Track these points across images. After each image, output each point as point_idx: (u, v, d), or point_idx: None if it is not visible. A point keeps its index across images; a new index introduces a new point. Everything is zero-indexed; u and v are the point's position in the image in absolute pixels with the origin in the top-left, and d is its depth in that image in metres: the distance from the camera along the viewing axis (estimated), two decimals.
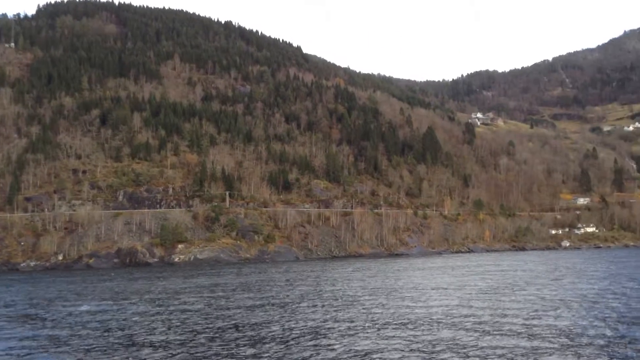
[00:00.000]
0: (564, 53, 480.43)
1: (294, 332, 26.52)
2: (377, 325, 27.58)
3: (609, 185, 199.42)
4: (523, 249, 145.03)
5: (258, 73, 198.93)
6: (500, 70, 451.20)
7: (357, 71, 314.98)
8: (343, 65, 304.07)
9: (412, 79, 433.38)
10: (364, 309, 33.87)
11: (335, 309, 34.23)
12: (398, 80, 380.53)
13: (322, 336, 25.29)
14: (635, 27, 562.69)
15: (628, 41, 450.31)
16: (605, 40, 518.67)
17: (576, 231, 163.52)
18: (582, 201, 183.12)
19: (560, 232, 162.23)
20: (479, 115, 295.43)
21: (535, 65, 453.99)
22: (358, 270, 71.88)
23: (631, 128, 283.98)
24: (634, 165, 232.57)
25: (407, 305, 34.86)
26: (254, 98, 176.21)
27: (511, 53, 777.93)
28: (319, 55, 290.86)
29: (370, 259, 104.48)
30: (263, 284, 54.16)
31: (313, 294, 43.34)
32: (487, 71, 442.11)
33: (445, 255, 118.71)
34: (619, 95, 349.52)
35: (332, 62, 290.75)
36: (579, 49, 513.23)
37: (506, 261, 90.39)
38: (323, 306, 35.68)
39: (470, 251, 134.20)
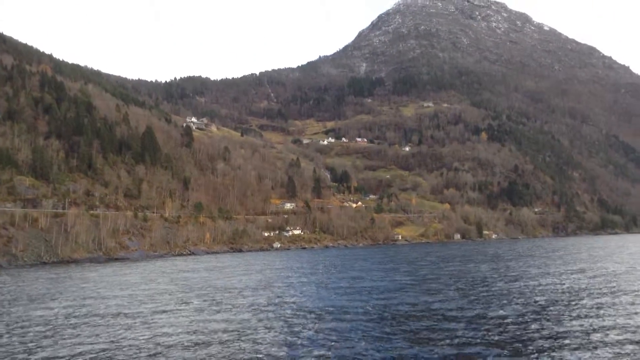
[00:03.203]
0: (270, 69, 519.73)
1: None
2: None
3: (310, 192, 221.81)
4: (240, 251, 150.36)
5: None
6: (212, 78, 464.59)
7: (63, 60, 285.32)
8: (47, 51, 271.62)
9: (124, 75, 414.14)
10: None
11: None
12: (108, 75, 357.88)
13: None
14: (328, 53, 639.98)
15: (322, 65, 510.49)
16: (304, 62, 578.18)
17: (285, 233, 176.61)
18: (289, 206, 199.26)
19: (272, 234, 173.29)
20: (194, 119, 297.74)
21: (245, 77, 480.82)
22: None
23: (326, 142, 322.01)
24: (329, 175, 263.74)
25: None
26: None
27: (223, 63, 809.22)
28: (20, 40, 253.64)
29: (87, 264, 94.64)
30: None
31: None
32: (200, 77, 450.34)
33: (168, 259, 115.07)
34: (315, 112, 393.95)
35: (35, 47, 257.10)
36: (282, 67, 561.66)
37: (227, 261, 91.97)
38: None
39: (192, 254, 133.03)
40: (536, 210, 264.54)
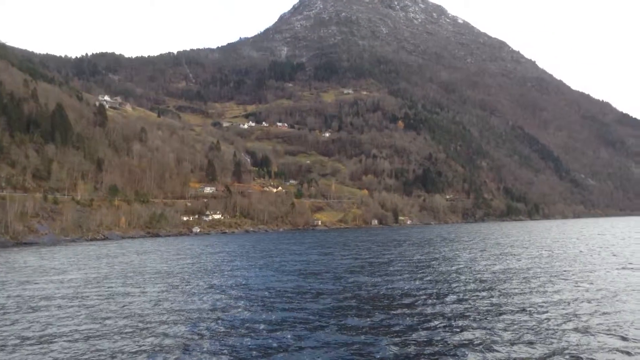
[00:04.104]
0: (188, 49, 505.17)
1: None
2: None
3: (230, 176, 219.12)
4: (157, 235, 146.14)
5: None
6: (127, 55, 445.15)
7: None
8: None
9: (30, 49, 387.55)
10: None
11: None
12: (13, 48, 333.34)
13: None
14: (249, 35, 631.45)
15: (243, 47, 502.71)
16: (224, 43, 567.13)
17: (205, 218, 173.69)
18: (208, 190, 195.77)
19: (191, 218, 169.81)
20: (107, 98, 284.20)
21: (162, 56, 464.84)
22: None
23: (246, 126, 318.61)
24: (249, 160, 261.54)
25: None
26: None
27: (137, 39, 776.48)
28: None
29: None
30: None
31: None
32: (113, 54, 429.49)
33: (81, 243, 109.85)
34: (236, 95, 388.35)
35: None
36: (201, 47, 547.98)
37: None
38: None
39: (106, 238, 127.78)
40: (448, 197, 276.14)
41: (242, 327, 22.51)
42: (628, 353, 17.24)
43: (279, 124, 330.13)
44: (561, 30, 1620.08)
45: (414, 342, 19.34)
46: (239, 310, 26.36)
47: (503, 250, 62.03)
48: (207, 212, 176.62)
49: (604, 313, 23.04)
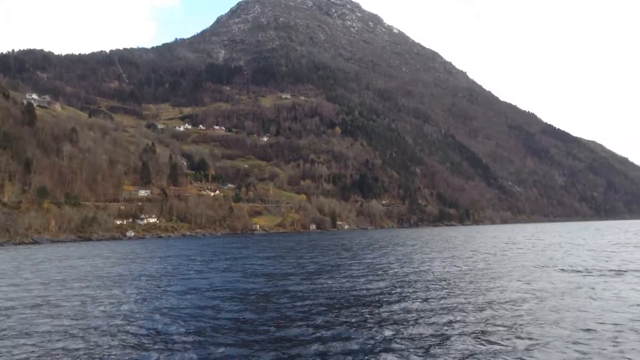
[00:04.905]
0: (121, 48, 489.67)
1: None
2: None
3: (166, 179, 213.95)
4: (89, 239, 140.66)
5: None
6: (56, 53, 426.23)
7: None
8: None
9: None
10: None
11: None
12: None
13: None
14: (185, 36, 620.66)
15: (179, 48, 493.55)
16: (159, 44, 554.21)
17: (140, 222, 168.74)
18: (143, 193, 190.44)
19: (125, 222, 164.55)
20: (35, 96, 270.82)
21: (93, 54, 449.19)
22: None
23: (182, 129, 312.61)
24: (185, 163, 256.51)
25: None
26: None
27: (68, 36, 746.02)
28: None
29: None
30: None
31: None
32: (42, 51, 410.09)
33: (8, 248, 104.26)
34: (171, 97, 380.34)
35: None
36: (134, 46, 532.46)
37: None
38: None
39: (35, 242, 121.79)
40: (384, 202, 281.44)
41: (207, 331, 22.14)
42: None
43: (216, 127, 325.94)
44: (491, 43, 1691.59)
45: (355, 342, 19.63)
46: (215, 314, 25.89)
47: (452, 254, 63.96)
48: (142, 216, 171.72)
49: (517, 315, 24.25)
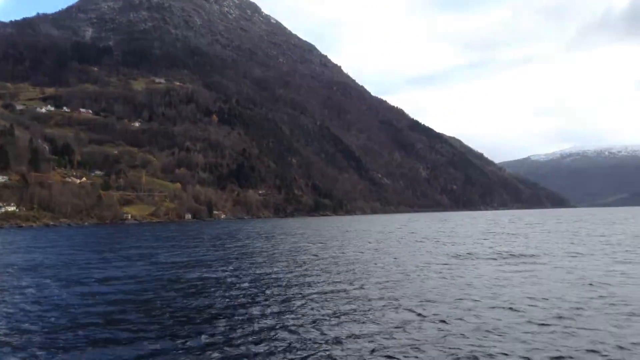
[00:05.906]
0: None
1: None
2: None
3: (26, 164, 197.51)
4: None
5: None
6: None
7: None
8: None
9: None
10: None
11: None
12: None
13: None
14: (49, 11, 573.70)
15: (42, 24, 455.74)
16: (19, 18, 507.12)
17: None
18: (0, 179, 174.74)
19: None
20: None
21: None
22: None
23: (44, 110, 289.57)
24: (48, 147, 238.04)
25: None
26: None
27: None
28: None
29: None
30: None
31: None
32: None
33: None
34: (32, 75, 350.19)
35: None
36: None
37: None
38: None
39: None
40: (260, 192, 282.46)
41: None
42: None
43: (82, 109, 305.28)
44: (364, 39, 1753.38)
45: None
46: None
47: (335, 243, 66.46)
48: None
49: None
